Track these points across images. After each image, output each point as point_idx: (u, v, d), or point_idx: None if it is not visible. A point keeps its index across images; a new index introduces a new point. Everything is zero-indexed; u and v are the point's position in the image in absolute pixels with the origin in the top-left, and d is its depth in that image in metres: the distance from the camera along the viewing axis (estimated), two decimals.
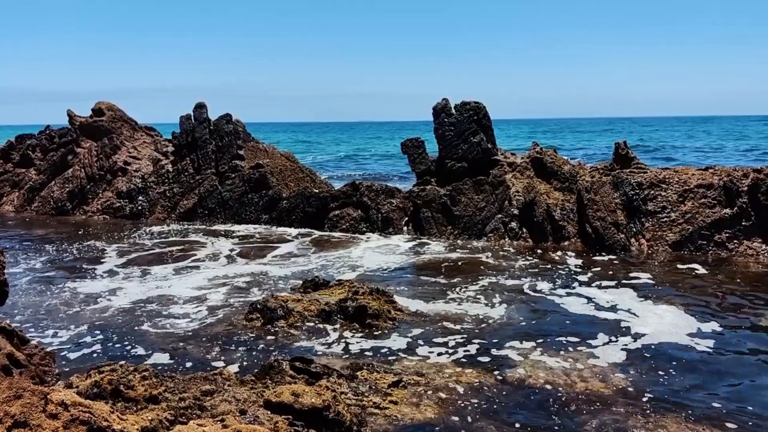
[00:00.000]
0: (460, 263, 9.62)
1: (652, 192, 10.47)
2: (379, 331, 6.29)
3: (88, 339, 6.18)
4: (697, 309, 7.01)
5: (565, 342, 5.98)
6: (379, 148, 45.83)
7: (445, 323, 6.57)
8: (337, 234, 12.33)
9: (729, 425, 4.28)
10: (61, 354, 5.69)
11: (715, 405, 4.61)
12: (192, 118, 14.98)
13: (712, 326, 6.42)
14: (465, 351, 5.77)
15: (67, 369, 5.26)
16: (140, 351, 5.84)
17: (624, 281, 8.35)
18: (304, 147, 48.21)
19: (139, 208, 14.90)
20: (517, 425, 4.30)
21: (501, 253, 10.46)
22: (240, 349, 5.87)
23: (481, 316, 6.82)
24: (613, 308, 7.09)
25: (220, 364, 5.45)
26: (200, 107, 14.98)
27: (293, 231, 12.69)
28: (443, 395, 4.74)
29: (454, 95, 12.56)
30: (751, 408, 4.56)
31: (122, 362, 4.42)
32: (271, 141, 19.07)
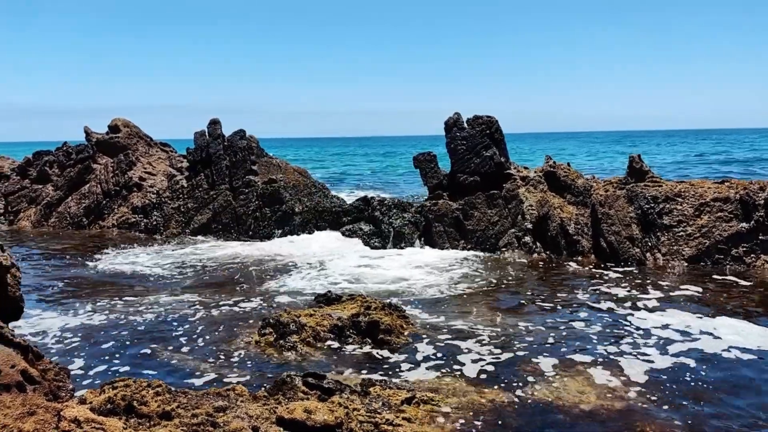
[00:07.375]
0: (473, 278, 9.56)
1: (668, 205, 10.37)
2: (392, 347, 6.26)
3: (99, 355, 6.20)
4: (718, 323, 6.88)
5: (582, 359, 5.89)
6: (394, 163, 45.96)
7: (458, 339, 6.51)
8: (351, 247, 12.33)
9: None
10: (73, 369, 5.71)
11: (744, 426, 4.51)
12: (206, 134, 15.13)
13: (736, 342, 6.29)
14: (479, 368, 5.70)
15: (81, 384, 5.28)
16: (152, 366, 5.85)
17: (641, 296, 8.24)
18: (314, 163, 48.40)
19: (154, 223, 15.02)
20: None
21: (515, 267, 10.38)
22: (252, 364, 5.87)
23: (495, 332, 6.75)
24: (631, 324, 6.99)
25: (233, 379, 5.44)
26: (214, 123, 15.13)
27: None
28: (457, 413, 4.68)
29: (465, 110, 12.57)
30: None
31: (135, 378, 4.43)
32: (285, 156, 19.17)
